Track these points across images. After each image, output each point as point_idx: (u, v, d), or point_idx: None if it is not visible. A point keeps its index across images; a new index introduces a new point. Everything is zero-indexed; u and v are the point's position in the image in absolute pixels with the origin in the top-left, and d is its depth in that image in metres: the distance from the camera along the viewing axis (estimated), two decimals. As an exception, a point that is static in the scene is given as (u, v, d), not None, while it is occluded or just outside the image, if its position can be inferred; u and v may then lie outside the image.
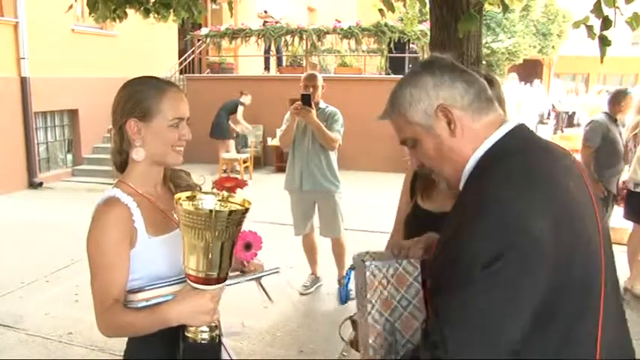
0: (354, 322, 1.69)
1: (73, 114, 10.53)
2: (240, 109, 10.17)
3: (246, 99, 10.32)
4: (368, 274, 1.42)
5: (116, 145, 1.68)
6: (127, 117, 1.60)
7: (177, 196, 1.41)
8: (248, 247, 1.61)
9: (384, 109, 1.36)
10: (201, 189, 1.78)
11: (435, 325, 1.15)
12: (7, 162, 8.89)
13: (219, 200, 1.46)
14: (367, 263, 1.42)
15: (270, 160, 11.42)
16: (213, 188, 1.51)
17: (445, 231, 1.24)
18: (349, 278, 1.59)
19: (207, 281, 1.39)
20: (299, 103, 4.27)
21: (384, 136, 10.61)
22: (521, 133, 1.26)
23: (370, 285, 1.42)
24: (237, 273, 1.68)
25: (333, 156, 4.62)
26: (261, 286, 1.75)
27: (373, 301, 1.41)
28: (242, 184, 1.54)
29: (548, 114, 16.08)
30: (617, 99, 5.01)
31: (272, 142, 10.40)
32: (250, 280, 1.65)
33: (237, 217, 1.37)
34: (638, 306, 4.62)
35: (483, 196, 1.15)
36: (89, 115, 10.44)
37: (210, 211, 1.34)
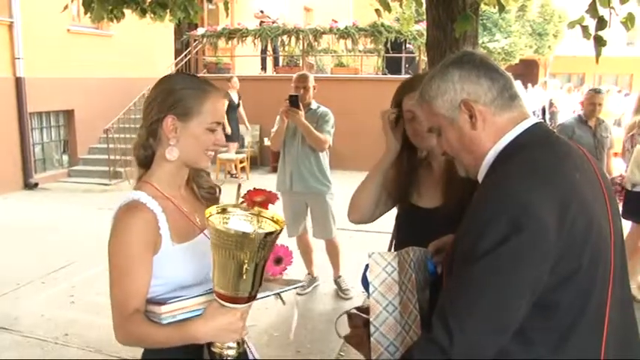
0: (350, 317, 1.70)
1: (68, 114, 10.50)
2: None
3: (234, 83, 10.10)
4: (370, 260, 1.53)
5: (140, 139, 1.61)
6: (166, 113, 1.53)
7: (207, 211, 1.34)
8: (278, 261, 1.58)
9: (416, 98, 1.44)
10: (220, 190, 1.76)
11: (439, 309, 1.21)
12: (2, 163, 8.86)
13: (251, 215, 1.40)
14: (369, 252, 1.54)
15: (267, 160, 11.42)
16: (242, 203, 1.47)
17: (462, 223, 1.29)
18: (364, 275, 1.63)
19: (237, 300, 1.35)
20: (287, 104, 4.26)
21: (380, 136, 10.63)
22: (539, 130, 1.32)
23: (372, 271, 1.52)
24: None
25: (324, 157, 4.61)
26: (280, 297, 1.75)
27: (376, 285, 1.50)
28: (273, 198, 1.49)
29: (543, 113, 16.10)
30: (586, 99, 5.09)
31: (268, 142, 10.38)
32: (277, 294, 1.61)
33: (271, 238, 1.31)
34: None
35: (497, 185, 1.23)
36: (85, 115, 10.42)
37: (244, 233, 1.27)
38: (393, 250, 2.08)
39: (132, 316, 1.45)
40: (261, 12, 12.84)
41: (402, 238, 2.05)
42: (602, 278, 1.22)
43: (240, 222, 1.38)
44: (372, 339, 1.47)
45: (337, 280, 4.81)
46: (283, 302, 1.73)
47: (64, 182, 10.02)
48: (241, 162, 10.24)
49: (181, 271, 1.55)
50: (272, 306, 4.12)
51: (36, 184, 9.46)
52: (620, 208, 4.87)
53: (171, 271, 1.54)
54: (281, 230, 1.35)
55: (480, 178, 1.34)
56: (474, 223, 1.20)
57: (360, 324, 1.64)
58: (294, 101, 4.25)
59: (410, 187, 2.04)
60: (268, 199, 1.47)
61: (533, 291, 1.16)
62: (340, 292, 4.77)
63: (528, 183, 1.18)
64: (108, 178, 9.87)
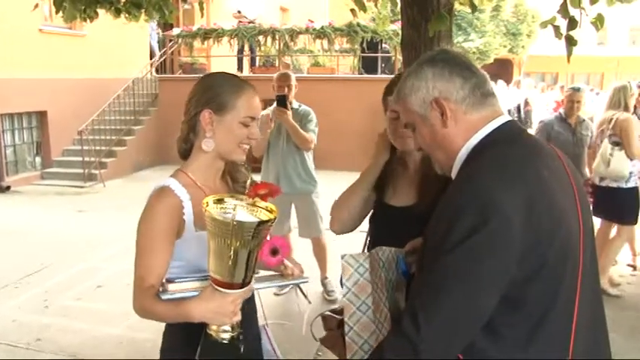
0: (324, 319, 1.70)
1: (41, 116, 10.33)
2: None
3: None
4: (343, 262, 1.56)
5: (182, 133, 1.75)
6: (203, 107, 1.67)
7: (204, 200, 1.40)
8: (275, 252, 1.62)
9: (393, 95, 1.46)
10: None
11: (410, 303, 1.23)
12: (-27, 165, 8.68)
13: (247, 204, 1.46)
14: (342, 254, 1.58)
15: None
16: (245, 194, 1.54)
17: (432, 217, 1.30)
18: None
19: (230, 286, 1.42)
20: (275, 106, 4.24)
21: (357, 135, 10.73)
22: (510, 128, 1.34)
23: (345, 272, 1.55)
24: (273, 274, 1.74)
25: (309, 156, 4.62)
26: (301, 289, 1.83)
27: (349, 286, 1.54)
28: (275, 191, 1.55)
29: (518, 111, 16.33)
30: (565, 97, 5.18)
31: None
32: (278, 286, 1.67)
33: (265, 227, 1.37)
34: (605, 299, 4.71)
35: (467, 179, 1.25)
36: (59, 116, 10.27)
37: (239, 221, 1.33)
38: (367, 248, 2.08)
39: (147, 291, 1.57)
40: (239, 12, 12.76)
41: (376, 237, 2.05)
42: (570, 275, 1.24)
43: (236, 211, 1.41)
44: (346, 338, 1.50)
45: (324, 281, 4.77)
46: (309, 301, 1.78)
47: (37, 185, 9.85)
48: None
49: (200, 256, 1.61)
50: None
51: (8, 187, 9.29)
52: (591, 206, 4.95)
53: (191, 255, 1.65)
54: (274, 220, 1.41)
55: (454, 175, 1.36)
56: (443, 217, 1.22)
57: (334, 326, 1.65)
58: (281, 101, 4.24)
59: (385, 185, 2.04)
60: (271, 192, 1.53)
61: (500, 285, 1.17)
62: (325, 294, 4.73)
63: (497, 179, 1.20)
64: (82, 180, 9.74)
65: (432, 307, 1.17)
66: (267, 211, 1.44)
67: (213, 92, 1.68)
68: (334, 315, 1.68)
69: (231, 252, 1.35)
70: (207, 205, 1.38)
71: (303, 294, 1.79)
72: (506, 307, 1.19)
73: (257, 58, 13.10)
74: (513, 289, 1.18)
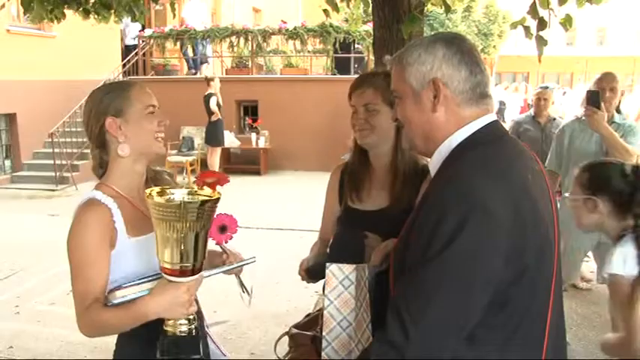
0: (293, 337, 1.67)
1: (10, 118, 10.14)
2: (213, 100, 9.59)
3: (215, 85, 9.73)
4: (328, 272, 1.50)
5: (95, 159, 1.72)
6: (104, 117, 1.64)
7: (147, 190, 1.41)
8: (223, 229, 1.61)
9: (394, 56, 1.40)
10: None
11: (394, 309, 1.18)
12: (-61, 170, 8.48)
13: (189, 194, 1.46)
14: (327, 264, 1.51)
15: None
16: (194, 184, 1.54)
17: (411, 222, 1.27)
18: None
19: (182, 273, 1.41)
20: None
21: (331, 136, 10.75)
22: (494, 128, 1.31)
23: (329, 283, 1.49)
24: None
25: None
26: (241, 281, 1.77)
27: (332, 299, 1.48)
28: (223, 180, 1.55)
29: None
30: (534, 96, 5.28)
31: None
32: (227, 270, 1.67)
33: (208, 207, 1.38)
34: (575, 294, 4.80)
35: (449, 182, 1.21)
36: (29, 119, 10.09)
37: (180, 202, 1.37)
38: (329, 249, 2.03)
39: (91, 306, 1.52)
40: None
41: (342, 240, 1.97)
42: (546, 279, 1.24)
43: (178, 196, 1.44)
44: (322, 353, 1.46)
45: None
46: (250, 295, 1.77)
47: (6, 189, 9.66)
48: (191, 165, 10.10)
49: (138, 263, 1.62)
50: (222, 309, 4.08)
51: (-24, 192, 9.09)
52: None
53: (128, 264, 1.61)
54: (217, 200, 1.40)
55: (433, 171, 1.32)
56: (426, 222, 1.18)
57: (306, 341, 1.62)
58: (594, 98, 3.44)
59: (351, 190, 2.01)
60: (219, 180, 1.53)
61: (487, 287, 1.15)
62: None
63: (481, 179, 1.17)
64: (54, 183, 9.59)
65: (420, 313, 1.14)
66: (209, 196, 1.45)
67: (106, 100, 1.65)
68: (303, 332, 1.66)
69: (179, 236, 1.36)
70: (151, 195, 1.39)
71: (244, 288, 1.76)
72: (489, 310, 1.17)
73: (206, 60, 12.73)
74: (497, 292, 1.16)
